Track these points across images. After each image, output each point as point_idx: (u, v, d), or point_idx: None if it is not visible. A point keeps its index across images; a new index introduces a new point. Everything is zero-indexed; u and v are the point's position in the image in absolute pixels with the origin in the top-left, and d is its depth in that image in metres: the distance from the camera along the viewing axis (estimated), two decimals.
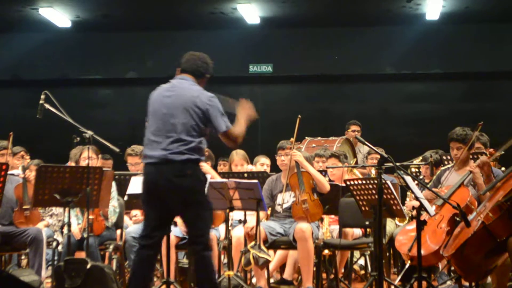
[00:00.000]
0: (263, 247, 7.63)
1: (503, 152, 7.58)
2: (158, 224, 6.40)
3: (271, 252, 8.02)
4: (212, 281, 6.35)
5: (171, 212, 6.46)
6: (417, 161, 9.66)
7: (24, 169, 8.67)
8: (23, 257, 9.23)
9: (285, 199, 8.29)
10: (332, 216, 8.85)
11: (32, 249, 8.20)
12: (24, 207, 8.38)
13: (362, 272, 9.52)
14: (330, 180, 8.88)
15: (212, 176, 8.16)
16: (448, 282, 7.83)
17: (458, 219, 6.92)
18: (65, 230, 7.60)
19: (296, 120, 8.34)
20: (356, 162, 10.87)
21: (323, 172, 8.74)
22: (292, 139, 8.35)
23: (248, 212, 8.11)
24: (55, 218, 9.10)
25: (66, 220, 7.60)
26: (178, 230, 8.19)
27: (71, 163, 8.88)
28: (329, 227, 8.84)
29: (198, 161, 6.36)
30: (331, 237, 8.74)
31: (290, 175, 8.26)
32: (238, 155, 9.48)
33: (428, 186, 7.80)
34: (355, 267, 9.39)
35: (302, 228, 7.84)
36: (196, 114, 6.31)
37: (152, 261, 6.48)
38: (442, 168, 8.30)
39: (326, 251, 8.42)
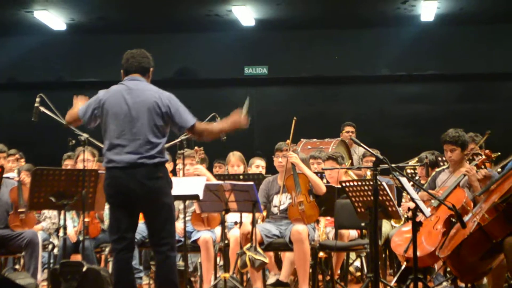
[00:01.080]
0: (259, 249, 7.62)
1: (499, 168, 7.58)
2: (128, 226, 6.33)
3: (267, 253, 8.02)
4: (175, 282, 6.29)
5: (138, 214, 6.39)
6: (412, 162, 9.66)
7: (19, 172, 8.66)
8: (21, 260, 9.21)
9: (282, 200, 8.29)
10: (328, 217, 8.85)
11: (28, 252, 8.20)
12: (20, 210, 8.38)
13: (358, 273, 9.52)
14: (327, 182, 8.88)
15: (207, 178, 8.16)
16: (444, 283, 7.84)
17: (454, 220, 6.93)
18: (61, 233, 7.59)
19: (292, 122, 8.34)
20: (352, 164, 10.87)
21: (319, 174, 8.74)
22: (288, 141, 8.35)
23: (243, 214, 8.10)
24: (49, 221, 9.07)
25: (62, 223, 7.60)
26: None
27: (73, 165, 8.87)
28: (325, 229, 8.85)
29: (165, 163, 6.34)
30: (327, 239, 8.75)
31: (286, 176, 8.26)
32: (234, 156, 9.47)
33: (424, 187, 7.81)
34: (351, 268, 9.39)
35: (299, 229, 7.84)
36: (159, 115, 6.26)
37: (131, 263, 6.43)
38: (437, 169, 8.30)
39: (321, 254, 8.42)
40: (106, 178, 6.31)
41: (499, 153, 7.76)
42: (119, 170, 6.21)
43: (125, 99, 6.33)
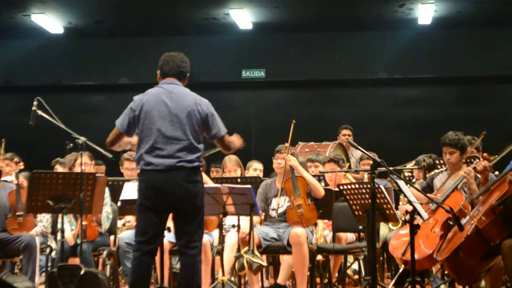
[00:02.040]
0: (256, 252, 7.62)
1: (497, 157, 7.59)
2: (159, 231, 6.40)
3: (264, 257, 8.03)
4: (199, 286, 6.37)
5: (167, 219, 6.44)
6: (410, 165, 9.67)
7: (18, 175, 8.66)
8: (17, 263, 9.20)
9: (280, 203, 8.29)
10: (326, 220, 8.85)
11: (26, 256, 8.19)
12: (18, 213, 8.37)
13: (356, 276, 9.52)
14: (325, 185, 8.88)
15: (205, 181, 8.16)
16: (442, 286, 7.84)
17: (451, 223, 6.93)
18: (59, 236, 7.59)
19: (290, 125, 8.34)
20: (349, 167, 10.87)
21: (317, 177, 8.73)
22: (287, 144, 8.35)
23: (241, 217, 8.10)
24: (41, 225, 9.06)
25: (59, 226, 7.60)
26: (171, 235, 8.16)
27: (65, 169, 8.87)
28: (323, 232, 8.85)
29: (201, 168, 6.45)
30: (324, 242, 8.74)
31: (284, 179, 8.26)
32: (230, 161, 9.47)
33: (420, 189, 7.81)
34: (349, 271, 9.39)
35: (297, 232, 7.84)
36: (198, 121, 6.35)
37: (151, 267, 6.48)
38: (436, 171, 8.30)
39: (319, 257, 8.42)
40: (143, 181, 6.35)
41: (496, 156, 7.76)
42: (158, 173, 6.25)
43: (165, 102, 6.36)
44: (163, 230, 6.50)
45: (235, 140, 6.66)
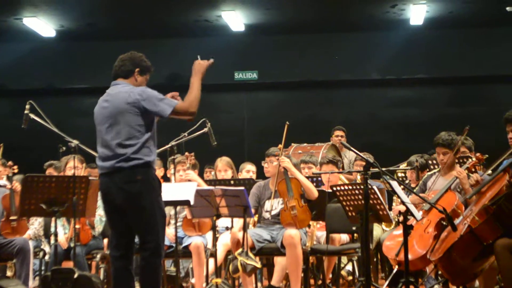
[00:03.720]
0: (250, 254, 7.62)
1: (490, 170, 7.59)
2: (121, 231, 6.31)
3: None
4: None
5: (125, 219, 6.34)
6: (403, 166, 9.68)
7: (11, 179, 8.64)
8: (9, 265, 9.19)
9: (273, 205, 8.29)
10: (320, 222, 8.85)
11: (19, 260, 8.18)
12: (11, 218, 8.36)
13: (350, 277, 9.52)
14: (317, 186, 8.87)
15: (198, 183, 8.17)
16: (436, 286, 7.85)
17: (445, 223, 6.93)
18: (52, 240, 7.58)
19: (284, 127, 8.34)
20: (342, 168, 10.87)
21: (310, 178, 8.73)
22: (280, 146, 8.35)
23: (235, 219, 8.10)
24: (33, 227, 9.05)
25: (52, 229, 7.59)
26: (165, 238, 8.17)
27: (53, 172, 8.86)
28: (315, 234, 8.83)
29: (148, 165, 6.20)
30: (317, 244, 8.74)
31: (278, 181, 8.26)
32: (222, 161, 9.47)
33: (414, 190, 7.82)
34: (343, 272, 9.39)
35: (291, 234, 7.84)
36: (133, 113, 6.20)
37: (129, 270, 6.37)
38: (428, 172, 8.31)
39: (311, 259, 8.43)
40: (99, 185, 6.41)
41: (487, 156, 7.76)
42: (103, 177, 6.27)
43: (103, 106, 6.36)
44: (129, 231, 6.33)
45: (189, 99, 6.32)
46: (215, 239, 7.83)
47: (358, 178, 9.81)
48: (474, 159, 7.53)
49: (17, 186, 8.41)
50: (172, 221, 8.24)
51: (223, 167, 9.39)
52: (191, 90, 6.37)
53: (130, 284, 6.33)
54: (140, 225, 6.23)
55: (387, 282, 7.86)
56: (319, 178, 9.10)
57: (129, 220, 6.25)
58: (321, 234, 8.80)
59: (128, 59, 6.60)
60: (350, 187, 7.54)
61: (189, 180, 8.42)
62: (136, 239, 6.33)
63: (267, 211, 8.35)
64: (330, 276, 9.02)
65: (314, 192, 8.21)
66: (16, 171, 9.25)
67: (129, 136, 6.17)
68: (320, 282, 8.56)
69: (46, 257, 8.62)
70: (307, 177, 8.58)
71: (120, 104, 6.25)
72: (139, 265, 6.27)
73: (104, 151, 6.23)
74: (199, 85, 6.45)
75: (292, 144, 11.20)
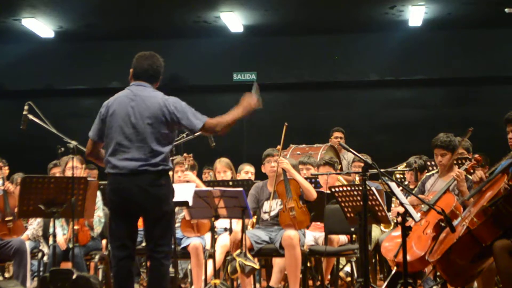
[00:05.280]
0: (249, 255, 7.62)
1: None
2: (129, 234, 6.31)
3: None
4: None
5: (137, 221, 6.38)
6: (401, 167, 9.68)
7: (4, 180, 8.63)
8: (6, 266, 9.19)
9: (272, 206, 8.29)
10: (318, 223, 8.85)
11: (16, 261, 8.19)
12: (7, 219, 8.35)
13: (349, 278, 9.52)
14: (318, 187, 8.88)
15: (197, 184, 8.16)
16: None
17: (443, 224, 6.94)
18: (51, 240, 7.58)
19: (282, 128, 8.34)
20: (341, 169, 10.88)
21: (309, 179, 8.74)
22: (279, 147, 8.35)
23: (233, 220, 8.10)
24: (31, 228, 9.04)
25: (51, 230, 7.59)
26: None
27: (61, 173, 8.85)
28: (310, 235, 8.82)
29: (169, 171, 6.32)
30: (314, 244, 8.73)
31: (277, 182, 8.26)
32: (221, 162, 9.46)
33: (413, 192, 7.82)
34: (341, 273, 9.39)
35: (290, 235, 7.84)
36: (164, 122, 6.22)
37: (131, 270, 6.38)
38: (427, 174, 8.31)
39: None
40: (109, 184, 6.29)
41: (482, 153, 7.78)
42: (122, 177, 6.18)
43: (130, 105, 6.28)
44: (136, 233, 6.40)
45: (220, 120, 6.35)
46: (213, 240, 7.83)
47: (357, 179, 9.82)
48: (472, 160, 7.54)
49: (10, 187, 8.40)
50: None
51: (222, 168, 9.38)
52: (229, 115, 6.39)
53: (132, 285, 6.35)
54: (158, 229, 6.26)
55: (385, 284, 7.86)
56: (317, 179, 9.10)
57: (147, 223, 6.29)
58: (320, 235, 8.79)
59: (159, 65, 6.62)
60: (349, 188, 7.55)
61: (188, 181, 8.42)
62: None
63: (265, 212, 8.35)
64: (329, 277, 9.02)
65: (313, 193, 8.21)
66: (6, 171, 9.21)
67: (158, 143, 6.20)
68: (318, 283, 8.56)
69: (45, 258, 8.62)
70: (306, 178, 8.59)
71: (154, 110, 6.23)
72: (150, 267, 6.31)
73: (128, 151, 6.19)
74: (238, 117, 6.43)
75: (291, 145, 11.20)
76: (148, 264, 6.39)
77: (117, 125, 6.25)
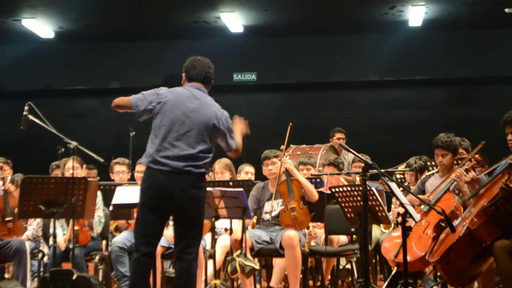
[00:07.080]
0: (249, 255, 7.62)
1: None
2: (157, 233, 6.37)
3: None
4: None
5: (166, 221, 6.48)
6: (401, 167, 9.67)
7: (3, 180, 8.62)
8: (6, 267, 9.18)
9: (274, 207, 8.29)
10: (319, 223, 8.84)
11: (16, 261, 8.18)
12: (7, 219, 8.35)
13: (349, 278, 9.52)
14: (317, 187, 8.87)
15: None
16: None
17: (443, 224, 6.93)
18: (51, 241, 7.57)
19: (282, 128, 8.34)
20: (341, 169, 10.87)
21: (309, 179, 8.73)
22: (283, 147, 8.36)
23: (233, 221, 8.09)
24: (31, 228, 9.04)
25: (51, 231, 7.58)
26: (163, 239, 8.16)
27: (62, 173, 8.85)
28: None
29: (206, 175, 6.49)
30: (315, 244, 8.73)
31: (279, 182, 8.26)
32: (219, 163, 9.42)
33: (412, 191, 7.81)
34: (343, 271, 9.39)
35: (290, 235, 7.84)
36: (214, 132, 6.39)
37: (150, 268, 6.47)
38: (427, 173, 8.30)
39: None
40: (146, 180, 6.31)
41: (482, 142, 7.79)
42: (164, 174, 6.22)
43: (187, 106, 6.38)
44: (162, 232, 6.47)
45: (239, 142, 6.69)
46: (214, 240, 7.82)
47: (357, 179, 9.81)
48: (473, 160, 7.53)
49: (10, 187, 8.40)
50: (171, 223, 8.22)
51: (220, 170, 9.36)
52: (239, 139, 6.72)
53: (147, 283, 6.38)
54: (192, 230, 6.35)
55: (386, 284, 7.85)
56: (319, 180, 9.10)
57: (180, 223, 6.36)
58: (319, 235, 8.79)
59: (211, 68, 6.75)
60: (349, 189, 7.55)
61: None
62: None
63: (266, 212, 8.35)
64: (329, 277, 9.02)
65: (314, 195, 8.22)
66: (7, 172, 9.20)
67: (205, 149, 6.35)
68: (318, 283, 8.56)
69: (45, 259, 8.61)
70: (306, 179, 8.58)
71: (209, 118, 6.39)
72: (178, 268, 6.37)
73: (174, 149, 6.25)
74: (241, 144, 6.77)
75: (291, 145, 11.20)
76: (176, 265, 6.43)
77: (171, 122, 6.33)
